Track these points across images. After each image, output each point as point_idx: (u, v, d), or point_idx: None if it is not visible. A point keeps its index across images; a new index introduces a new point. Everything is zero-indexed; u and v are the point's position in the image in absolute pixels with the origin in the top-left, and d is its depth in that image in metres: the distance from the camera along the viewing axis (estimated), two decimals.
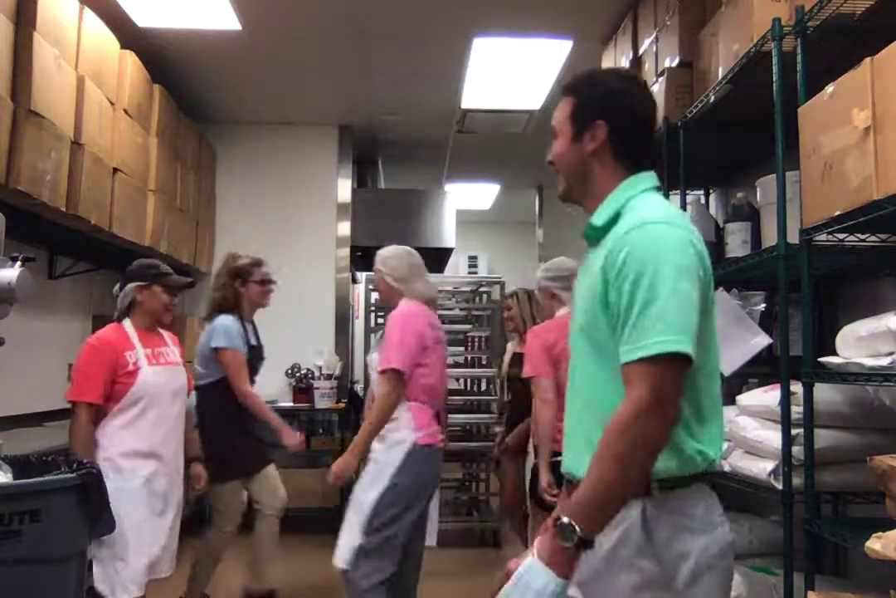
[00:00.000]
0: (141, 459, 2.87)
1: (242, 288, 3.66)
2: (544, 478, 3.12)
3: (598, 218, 1.53)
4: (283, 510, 3.71)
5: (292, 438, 3.53)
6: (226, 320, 3.59)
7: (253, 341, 3.72)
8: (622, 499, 1.34)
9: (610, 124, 1.53)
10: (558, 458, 1.67)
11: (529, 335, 3.42)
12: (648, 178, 1.57)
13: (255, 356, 3.71)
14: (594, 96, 1.57)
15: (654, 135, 1.62)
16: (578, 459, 1.48)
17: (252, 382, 3.73)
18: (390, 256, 3.24)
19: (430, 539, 3.33)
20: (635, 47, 3.79)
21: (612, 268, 1.42)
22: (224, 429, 3.50)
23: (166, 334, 3.16)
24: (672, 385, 1.34)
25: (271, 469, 3.74)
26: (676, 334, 1.33)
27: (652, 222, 1.43)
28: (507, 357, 4.64)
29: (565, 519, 1.31)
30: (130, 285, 3.01)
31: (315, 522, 4.99)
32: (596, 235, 1.54)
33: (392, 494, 2.96)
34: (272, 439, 3.67)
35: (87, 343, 2.95)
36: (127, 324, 3.00)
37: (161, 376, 2.96)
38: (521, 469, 4.21)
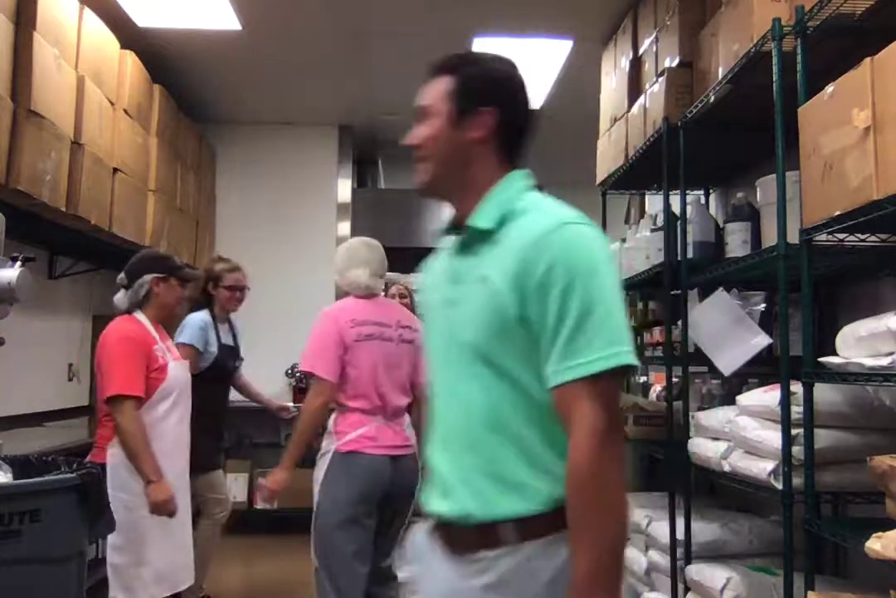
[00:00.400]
0: (171, 458, 2.80)
1: (214, 291, 3.74)
2: None
3: (484, 220, 1.33)
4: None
5: None
6: (194, 317, 3.64)
7: (226, 341, 3.74)
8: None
9: (499, 112, 1.37)
10: None
11: None
12: (528, 175, 1.41)
13: (227, 355, 3.72)
14: (481, 79, 1.39)
15: (533, 129, 1.45)
16: (477, 497, 1.28)
17: (229, 381, 3.82)
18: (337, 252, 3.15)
19: None
20: (635, 47, 3.79)
21: (528, 277, 1.24)
22: (206, 421, 3.49)
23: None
24: (618, 400, 1.24)
25: None
26: (621, 345, 1.22)
27: (571, 223, 1.27)
28: None
29: None
30: (147, 276, 2.87)
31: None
32: (479, 239, 1.34)
33: (321, 511, 2.75)
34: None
35: (117, 334, 2.79)
36: (141, 316, 2.87)
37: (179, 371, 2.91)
38: None
